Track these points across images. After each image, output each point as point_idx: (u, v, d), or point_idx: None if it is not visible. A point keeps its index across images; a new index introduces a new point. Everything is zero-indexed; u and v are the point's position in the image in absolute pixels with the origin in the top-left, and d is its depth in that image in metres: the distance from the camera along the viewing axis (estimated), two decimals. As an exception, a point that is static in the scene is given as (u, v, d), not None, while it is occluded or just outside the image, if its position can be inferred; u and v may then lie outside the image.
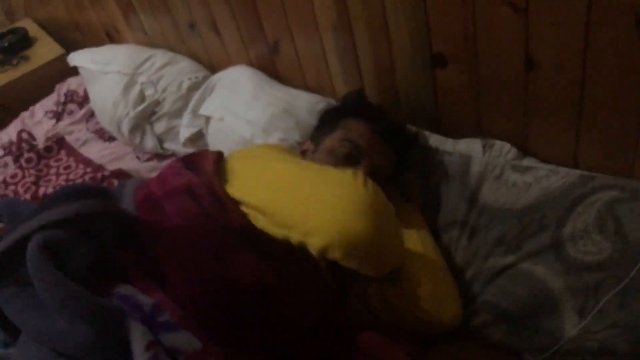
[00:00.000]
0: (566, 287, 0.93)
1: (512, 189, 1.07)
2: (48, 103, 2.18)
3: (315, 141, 1.19)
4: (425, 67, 1.17)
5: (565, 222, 0.97)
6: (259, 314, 0.83)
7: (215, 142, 1.54)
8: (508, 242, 1.03)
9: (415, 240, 1.07)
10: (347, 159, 1.09)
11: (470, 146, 1.15)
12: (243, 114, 1.44)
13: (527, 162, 1.09)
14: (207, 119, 1.58)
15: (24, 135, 2.00)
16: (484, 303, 1.03)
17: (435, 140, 1.21)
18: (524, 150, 1.12)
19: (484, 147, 1.14)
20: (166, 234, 0.89)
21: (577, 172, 1.01)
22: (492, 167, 1.11)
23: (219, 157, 1.12)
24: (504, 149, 1.12)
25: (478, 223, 1.09)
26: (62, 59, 2.36)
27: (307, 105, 1.41)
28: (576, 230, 0.95)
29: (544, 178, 1.04)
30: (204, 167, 1.05)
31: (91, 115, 2.04)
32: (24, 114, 2.13)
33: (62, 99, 2.16)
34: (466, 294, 1.06)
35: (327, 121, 1.20)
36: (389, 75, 1.25)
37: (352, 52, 1.30)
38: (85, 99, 2.11)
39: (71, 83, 2.20)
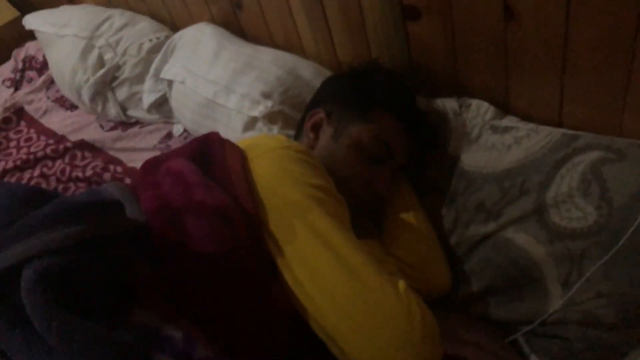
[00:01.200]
0: (549, 256, 0.87)
1: (491, 151, 1.00)
2: (5, 70, 2.06)
3: (336, 121, 1.03)
4: (397, 19, 1.07)
5: (548, 186, 0.90)
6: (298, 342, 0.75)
7: (178, 106, 1.45)
8: (489, 209, 0.97)
9: (404, 207, 1.03)
10: (375, 160, 1.00)
11: (446, 105, 1.08)
12: (204, 73, 1.34)
13: (507, 121, 1.02)
14: (170, 83, 1.48)
15: (-20, 107, 1.89)
16: (468, 273, 0.98)
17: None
18: (505, 108, 1.04)
19: (460, 106, 1.06)
20: (193, 258, 0.74)
21: (560, 130, 0.94)
22: (470, 128, 1.04)
23: (243, 158, 0.88)
24: (481, 109, 1.04)
25: (457, 188, 1.03)
26: (17, 22, 2.21)
27: (271, 57, 1.31)
28: (559, 195, 0.88)
29: (524, 138, 0.97)
30: (230, 175, 0.84)
31: (51, 82, 1.92)
32: (-20, 83, 2.01)
33: (20, 65, 2.04)
34: (450, 263, 1.01)
35: (355, 101, 1.03)
36: (359, 30, 1.16)
37: (318, 5, 1.19)
38: (44, 65, 1.98)
39: (29, 48, 2.07)
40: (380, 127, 1.01)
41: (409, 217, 1.01)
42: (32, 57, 2.04)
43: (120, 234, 0.72)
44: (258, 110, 1.18)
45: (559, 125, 0.98)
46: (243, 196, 0.81)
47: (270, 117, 1.18)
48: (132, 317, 0.66)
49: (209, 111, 1.30)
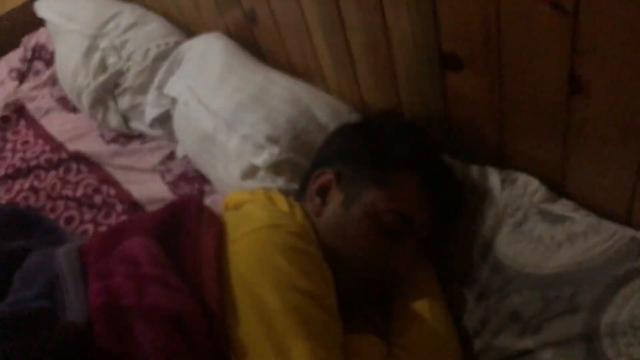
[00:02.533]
0: (599, 403, 0.69)
1: (536, 245, 0.81)
2: (14, 59, 1.93)
3: (346, 184, 0.86)
4: (433, 67, 0.88)
5: (604, 308, 0.71)
6: None
7: (180, 130, 1.29)
8: (526, 320, 0.78)
9: (421, 294, 0.85)
10: (391, 234, 0.82)
11: (485, 176, 0.88)
12: (207, 100, 1.16)
13: (560, 207, 0.82)
14: (174, 100, 1.31)
15: (-18, 100, 1.77)
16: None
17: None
18: (559, 187, 0.85)
19: (503, 181, 0.86)
20: None
21: (629, 232, 0.75)
22: (513, 209, 0.85)
23: (219, 238, 0.74)
24: (529, 187, 0.85)
25: (490, 283, 0.84)
26: (30, 6, 2.06)
27: (283, 92, 1.11)
28: (618, 323, 0.70)
29: (580, 237, 0.77)
30: (201, 261, 0.71)
31: (57, 78, 1.78)
32: (-15, 73, 1.89)
33: (29, 54, 1.91)
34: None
35: (368, 162, 0.86)
36: (387, 73, 0.97)
37: (340, 31, 1.00)
38: (53, 57, 1.84)
39: (41, 35, 1.93)
40: (399, 193, 0.83)
41: (424, 309, 0.83)
42: (42, 46, 1.90)
43: (48, 350, 0.59)
44: (262, 159, 1.00)
45: (627, 221, 0.78)
46: (209, 293, 0.68)
47: (276, 167, 1.00)
48: None
49: (209, 146, 1.13)
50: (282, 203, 0.85)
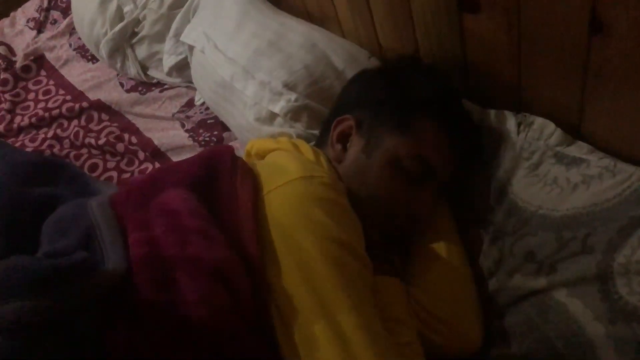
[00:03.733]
0: (609, 338, 0.70)
1: (551, 188, 0.81)
2: (30, 8, 1.93)
3: (367, 131, 0.86)
4: (450, 9, 0.86)
5: (619, 248, 0.72)
6: None
7: (197, 77, 1.29)
8: (540, 260, 0.79)
9: (439, 239, 0.87)
10: (412, 179, 0.83)
11: (502, 119, 0.88)
12: (224, 47, 1.16)
13: (576, 150, 0.82)
14: (191, 48, 1.31)
15: (1, 50, 1.78)
16: (506, 332, 0.82)
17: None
18: (576, 130, 0.84)
19: (519, 124, 0.86)
20: (181, 325, 0.62)
21: (645, 173, 0.75)
22: (529, 152, 0.85)
23: (256, 190, 0.74)
24: (546, 130, 0.85)
25: (505, 225, 0.85)
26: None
27: (300, 38, 1.11)
28: (633, 263, 0.70)
29: (595, 178, 0.78)
30: (239, 213, 0.71)
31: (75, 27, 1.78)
32: (3, 22, 1.90)
33: (45, 3, 1.90)
34: (485, 311, 0.86)
35: (389, 107, 0.86)
36: (404, 16, 0.96)
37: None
38: (70, 5, 1.82)
39: (56, -18, 1.92)
40: (420, 138, 0.83)
41: (443, 252, 0.86)
42: (58, -5, 1.89)
43: (89, 301, 0.61)
44: (279, 106, 1.01)
45: (645, 163, 0.78)
46: (249, 245, 0.69)
47: (293, 114, 1.01)
48: None
49: (227, 93, 1.14)
50: (307, 151, 0.86)
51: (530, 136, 0.86)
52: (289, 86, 1.02)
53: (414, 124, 0.84)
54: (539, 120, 0.86)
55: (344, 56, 1.05)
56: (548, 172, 0.83)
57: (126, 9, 1.48)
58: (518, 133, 0.87)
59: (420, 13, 0.92)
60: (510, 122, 0.87)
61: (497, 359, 0.83)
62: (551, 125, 0.84)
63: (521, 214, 0.83)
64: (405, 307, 0.81)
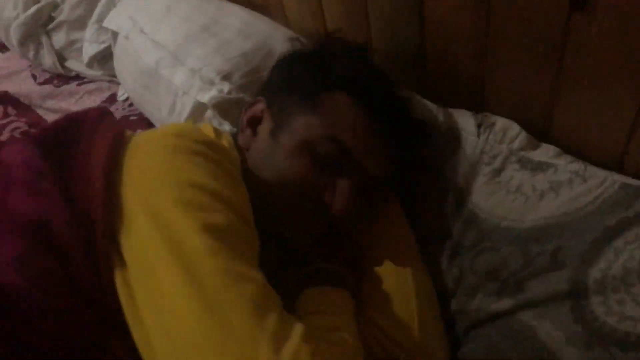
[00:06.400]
0: (585, 365, 0.62)
1: (515, 196, 0.73)
2: None
3: (277, 112, 0.75)
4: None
5: (593, 262, 0.64)
6: None
7: (120, 67, 1.15)
8: (504, 278, 0.71)
9: (397, 258, 0.75)
10: (327, 167, 0.70)
11: (460, 120, 0.79)
12: (151, 31, 1.03)
13: (542, 154, 0.74)
14: (115, 35, 1.17)
15: None
16: (466, 357, 0.72)
17: (415, 104, 0.83)
18: (545, 129, 0.76)
19: (479, 125, 0.78)
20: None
21: (619, 178, 0.68)
22: (490, 156, 0.76)
23: (115, 146, 0.63)
24: (509, 132, 0.76)
25: (463, 238, 0.76)
26: None
27: (238, 23, 0.99)
28: (609, 278, 0.63)
29: (565, 185, 0.70)
30: (91, 168, 0.61)
31: (-17, 12, 1.59)
32: None
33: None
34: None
35: (302, 85, 0.75)
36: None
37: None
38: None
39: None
40: (333, 118, 0.71)
41: (401, 265, 0.74)
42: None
43: None
44: (208, 95, 0.88)
45: (620, 167, 0.70)
46: (94, 198, 0.58)
47: (224, 107, 0.88)
48: None
49: (151, 82, 1.00)
50: (208, 130, 0.74)
51: (492, 139, 0.77)
52: (223, 74, 0.89)
53: (327, 103, 0.72)
54: (501, 121, 0.77)
55: (286, 46, 0.94)
56: (511, 178, 0.74)
57: (42, -10, 1.32)
58: (478, 135, 0.78)
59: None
60: (469, 122, 0.78)
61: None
62: (515, 127, 0.76)
63: (482, 226, 0.75)
64: (350, 320, 0.69)
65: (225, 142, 0.72)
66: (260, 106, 0.77)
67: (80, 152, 0.63)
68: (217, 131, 0.74)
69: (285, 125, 0.72)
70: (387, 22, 0.84)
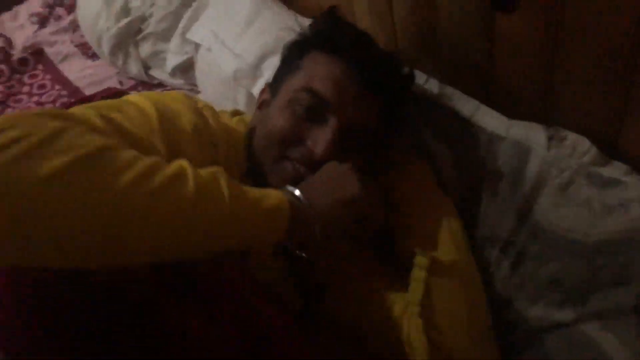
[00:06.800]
0: (650, 380, 0.62)
1: (583, 210, 0.73)
2: (34, 3, 1.87)
3: (273, 86, 0.84)
4: (482, 8, 0.80)
5: (662, 279, 0.64)
6: None
7: (202, 77, 1.23)
8: (569, 289, 0.71)
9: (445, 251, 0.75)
10: (309, 115, 0.75)
11: (530, 133, 0.81)
12: (232, 44, 1.10)
13: (612, 170, 0.74)
14: (197, 46, 1.25)
15: (0, 42, 1.71)
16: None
17: (483, 115, 0.85)
18: (612, 147, 0.76)
19: (549, 138, 0.79)
20: None
21: (690, 198, 0.67)
22: (559, 170, 0.77)
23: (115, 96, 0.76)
24: (579, 147, 0.77)
25: (527, 248, 0.77)
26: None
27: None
28: (677, 295, 0.62)
29: (634, 202, 0.70)
30: None
31: (79, 24, 1.72)
32: (5, 15, 1.84)
33: (51, 0, 1.85)
34: (500, 344, 0.76)
35: (288, 57, 0.84)
36: (428, 14, 0.89)
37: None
38: (75, 3, 1.78)
39: (63, -18, 1.88)
40: (309, 73, 0.77)
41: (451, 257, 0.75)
42: (64, -7, 1.84)
43: None
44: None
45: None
46: None
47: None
48: None
49: (232, 93, 1.07)
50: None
51: (562, 152, 0.78)
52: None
53: (306, 61, 0.79)
54: (572, 136, 0.78)
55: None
56: (579, 192, 0.75)
57: (133, 4, 1.43)
58: (548, 148, 0.79)
59: (445, 10, 0.85)
60: (540, 135, 0.79)
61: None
62: (586, 142, 0.77)
63: (547, 237, 0.75)
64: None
65: (240, 122, 0.83)
66: (265, 91, 0.85)
67: None
68: (237, 112, 0.84)
69: (276, 93, 0.79)
70: (456, 32, 0.87)
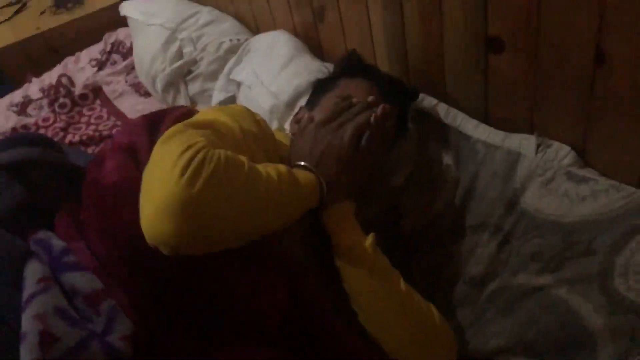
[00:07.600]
0: (607, 327, 0.77)
1: (562, 199, 0.90)
2: (94, 51, 2.14)
3: (309, 106, 1.06)
4: (478, 50, 1.01)
5: (620, 251, 0.80)
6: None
7: (243, 110, 1.44)
8: (546, 260, 0.87)
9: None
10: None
11: (523, 143, 0.99)
12: (268, 83, 1.32)
13: (586, 172, 0.92)
14: (239, 85, 1.48)
15: (64, 80, 1.96)
16: (506, 327, 0.88)
17: (483, 131, 1.05)
18: (582, 158, 0.95)
19: (538, 146, 0.97)
20: (94, 187, 0.81)
21: (648, 192, 0.84)
22: (543, 170, 0.95)
23: (187, 114, 0.92)
24: (560, 152, 0.95)
25: (514, 230, 0.94)
26: (115, 7, 2.29)
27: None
28: (632, 263, 0.78)
29: (602, 193, 0.87)
30: (164, 123, 0.91)
31: (132, 68, 1.97)
32: (69, 59, 2.10)
33: (108, 48, 2.11)
34: (484, 311, 0.93)
35: (322, 85, 1.09)
36: (436, 56, 1.10)
37: (399, 29, 1.15)
38: (129, 51, 2.04)
39: (120, 33, 2.15)
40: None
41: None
42: (121, 42, 2.11)
43: (43, 162, 0.87)
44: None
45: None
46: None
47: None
48: (34, 234, 0.74)
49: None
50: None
51: (547, 157, 0.95)
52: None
53: (337, 83, 1.04)
54: (556, 144, 0.95)
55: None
56: (559, 186, 0.91)
57: (186, 49, 1.66)
58: (536, 153, 0.97)
59: (451, 53, 1.07)
60: (531, 143, 0.98)
61: (497, 353, 0.89)
62: (566, 148, 0.93)
63: (532, 220, 0.91)
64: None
65: (284, 137, 1.03)
66: (301, 112, 1.05)
67: (163, 120, 0.92)
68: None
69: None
70: (459, 73, 1.09)
